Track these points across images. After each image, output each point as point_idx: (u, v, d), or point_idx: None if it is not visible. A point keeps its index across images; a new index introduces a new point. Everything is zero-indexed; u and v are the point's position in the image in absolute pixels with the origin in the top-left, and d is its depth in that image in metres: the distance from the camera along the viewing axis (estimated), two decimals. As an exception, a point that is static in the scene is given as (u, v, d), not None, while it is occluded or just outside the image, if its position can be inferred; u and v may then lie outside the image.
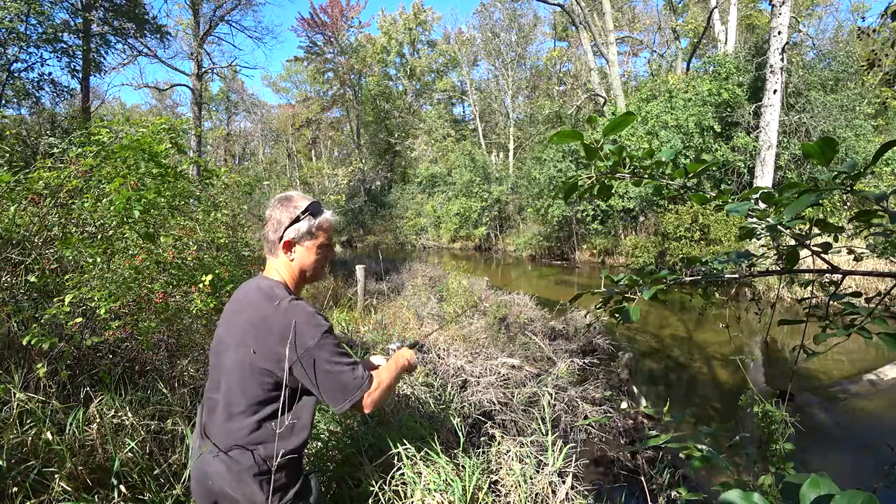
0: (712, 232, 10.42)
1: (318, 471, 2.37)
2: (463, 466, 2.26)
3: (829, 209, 10.21)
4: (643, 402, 4.25)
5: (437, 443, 2.47)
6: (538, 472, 2.50)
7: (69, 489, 1.83)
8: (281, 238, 1.30)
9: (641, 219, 13.90)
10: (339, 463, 2.41)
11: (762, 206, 1.17)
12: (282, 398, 1.24)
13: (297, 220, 1.30)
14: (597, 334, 5.77)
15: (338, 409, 1.24)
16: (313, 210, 1.32)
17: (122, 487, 1.82)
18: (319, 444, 2.53)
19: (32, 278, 2.49)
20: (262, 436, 1.24)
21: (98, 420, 2.17)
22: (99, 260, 2.56)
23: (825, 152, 0.92)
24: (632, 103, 15.01)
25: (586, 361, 4.79)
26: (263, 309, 1.24)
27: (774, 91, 10.45)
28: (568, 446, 2.71)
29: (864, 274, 1.11)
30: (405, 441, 2.34)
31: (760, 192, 1.15)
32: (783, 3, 10.08)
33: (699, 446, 1.51)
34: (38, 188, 2.77)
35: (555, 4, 18.61)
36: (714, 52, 15.84)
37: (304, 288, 1.48)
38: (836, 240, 1.33)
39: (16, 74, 9.56)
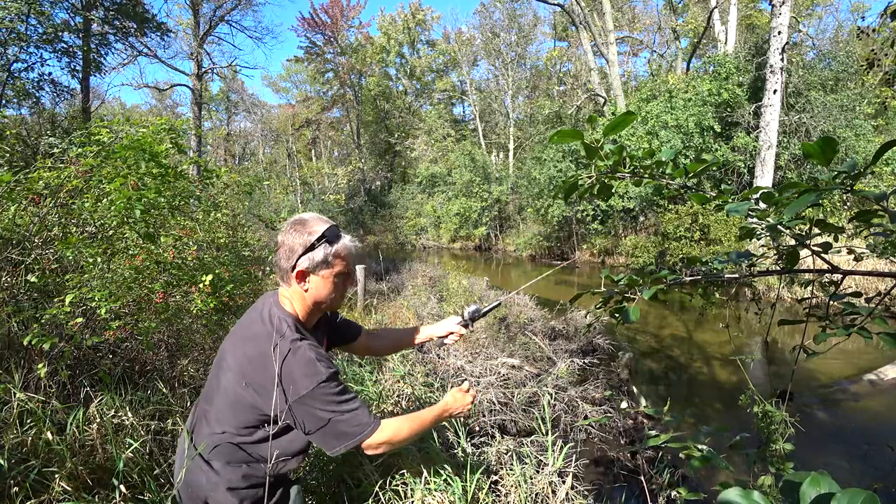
0: (712, 232, 10.42)
1: (313, 474, 2.37)
2: (463, 466, 2.26)
3: (829, 209, 10.21)
4: (643, 402, 4.25)
5: (438, 442, 2.47)
6: (538, 472, 2.50)
7: (69, 489, 1.83)
8: (294, 267, 1.20)
9: (641, 219, 13.90)
10: (339, 463, 2.41)
11: (762, 206, 1.17)
12: (271, 428, 1.21)
13: (311, 247, 1.19)
14: (597, 334, 5.77)
15: (331, 453, 1.20)
16: (329, 236, 1.21)
17: (123, 487, 1.82)
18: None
19: (33, 278, 2.49)
20: (247, 456, 1.22)
21: (98, 420, 2.17)
22: (99, 260, 2.56)
23: (825, 152, 0.92)
24: (632, 103, 15.01)
25: (586, 361, 4.79)
26: (263, 345, 1.18)
27: (774, 91, 10.45)
28: (568, 446, 2.71)
29: (864, 274, 1.11)
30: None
31: (760, 192, 1.15)
32: (783, 3, 10.08)
33: (699, 446, 1.51)
34: (38, 188, 2.77)
35: (555, 4, 18.60)
36: (714, 52, 15.84)
37: None
38: (836, 240, 1.33)
39: (16, 74, 9.57)
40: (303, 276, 1.22)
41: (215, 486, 1.22)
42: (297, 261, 1.20)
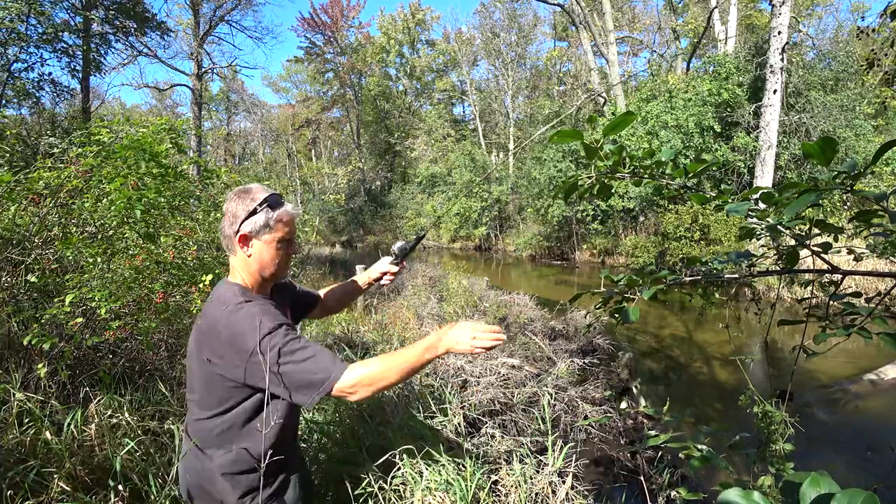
0: (712, 232, 10.42)
1: (308, 469, 2.36)
2: (463, 466, 2.26)
3: (829, 209, 10.20)
4: (643, 402, 4.24)
5: (438, 442, 2.47)
6: (538, 472, 2.50)
7: (68, 489, 1.83)
8: (237, 232, 1.23)
9: (641, 219, 13.89)
10: (339, 462, 2.41)
11: (762, 206, 1.17)
12: (245, 401, 1.22)
13: (253, 212, 1.23)
14: (597, 334, 5.77)
15: (306, 404, 1.17)
16: (272, 202, 1.25)
17: (121, 487, 1.82)
18: (322, 441, 2.53)
19: (33, 278, 2.49)
20: (231, 436, 1.23)
21: (97, 420, 2.17)
22: (99, 260, 2.57)
23: (825, 152, 0.92)
24: (632, 103, 15.01)
25: (586, 361, 4.79)
26: (212, 316, 1.21)
27: (774, 91, 10.45)
28: (568, 446, 2.71)
29: (864, 274, 1.11)
30: (406, 441, 2.34)
31: (760, 192, 1.15)
32: (783, 3, 10.08)
33: (699, 446, 1.51)
34: (38, 188, 2.77)
35: (555, 4, 18.60)
36: (714, 52, 15.84)
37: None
38: (836, 240, 1.33)
39: (16, 74, 9.56)
40: (245, 240, 1.24)
41: (211, 473, 1.24)
42: (240, 225, 1.23)
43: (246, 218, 1.23)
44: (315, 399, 1.15)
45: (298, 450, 1.50)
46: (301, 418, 1.67)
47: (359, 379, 1.12)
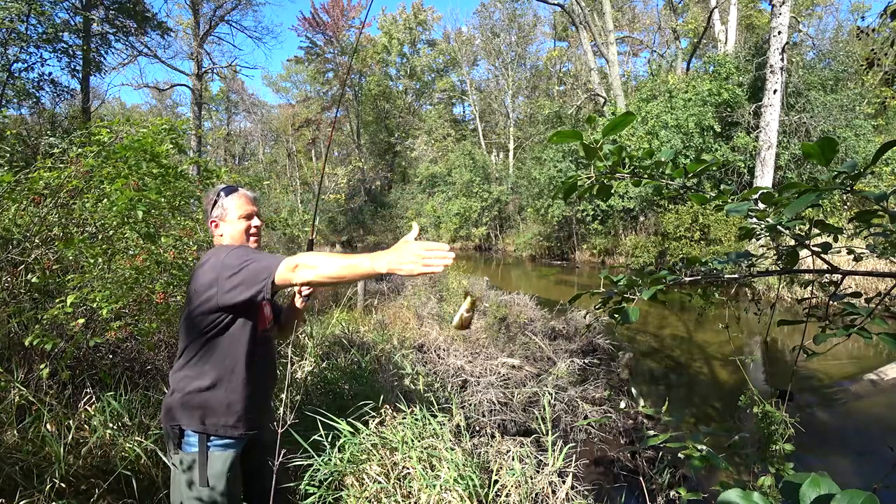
0: (712, 232, 10.41)
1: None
2: (463, 466, 2.25)
3: (829, 209, 10.20)
4: (642, 402, 4.24)
5: (438, 443, 2.47)
6: (538, 472, 2.50)
7: (67, 489, 1.83)
8: (209, 220, 1.55)
9: (641, 219, 13.89)
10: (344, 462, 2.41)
11: (762, 206, 1.18)
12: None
13: (215, 203, 1.53)
14: (597, 334, 5.77)
15: (260, 294, 1.25)
16: (226, 191, 1.55)
17: (122, 486, 1.82)
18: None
19: (34, 279, 2.49)
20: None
21: (97, 420, 2.17)
22: (100, 260, 2.56)
23: (825, 152, 0.92)
24: (632, 103, 15.01)
25: (586, 361, 4.79)
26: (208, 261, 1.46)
27: (774, 91, 10.44)
28: (568, 446, 2.71)
29: (864, 274, 1.11)
30: (406, 441, 2.34)
31: (760, 192, 1.15)
32: (783, 3, 10.08)
33: (699, 446, 1.51)
34: (38, 188, 2.77)
35: (555, 4, 18.60)
36: (714, 52, 15.83)
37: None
38: (835, 240, 1.33)
39: (16, 74, 9.54)
40: (216, 225, 1.54)
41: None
42: (210, 215, 1.53)
43: (212, 208, 1.52)
44: (264, 286, 1.24)
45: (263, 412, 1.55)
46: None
47: (298, 261, 1.20)
